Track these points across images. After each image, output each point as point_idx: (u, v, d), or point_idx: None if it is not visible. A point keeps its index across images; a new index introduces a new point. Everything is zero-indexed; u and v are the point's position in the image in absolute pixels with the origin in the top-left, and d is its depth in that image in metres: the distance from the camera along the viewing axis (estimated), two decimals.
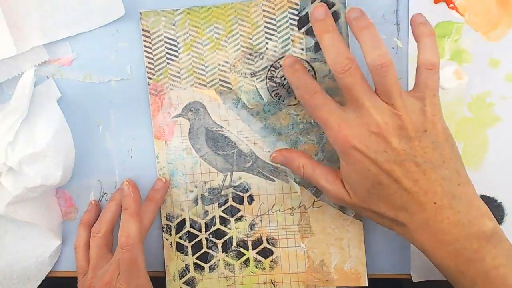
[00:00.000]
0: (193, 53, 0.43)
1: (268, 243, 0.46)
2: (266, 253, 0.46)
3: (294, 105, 0.43)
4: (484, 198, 0.44)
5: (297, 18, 0.42)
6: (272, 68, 0.43)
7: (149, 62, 0.43)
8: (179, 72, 0.43)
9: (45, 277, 0.47)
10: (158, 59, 0.43)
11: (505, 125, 0.43)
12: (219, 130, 0.44)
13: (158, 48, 0.43)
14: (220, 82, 0.43)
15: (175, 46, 0.43)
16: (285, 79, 0.43)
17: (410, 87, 0.43)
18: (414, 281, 0.45)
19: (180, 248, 0.46)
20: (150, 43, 0.43)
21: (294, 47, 0.42)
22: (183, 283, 0.46)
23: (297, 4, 0.42)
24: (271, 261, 0.46)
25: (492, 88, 0.43)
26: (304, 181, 0.44)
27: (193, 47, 0.43)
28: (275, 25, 0.42)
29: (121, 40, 0.44)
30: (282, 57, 0.43)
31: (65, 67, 0.44)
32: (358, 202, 0.37)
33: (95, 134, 0.45)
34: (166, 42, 0.43)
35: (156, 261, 0.46)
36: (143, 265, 0.40)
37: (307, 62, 0.42)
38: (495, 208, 0.44)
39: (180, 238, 0.46)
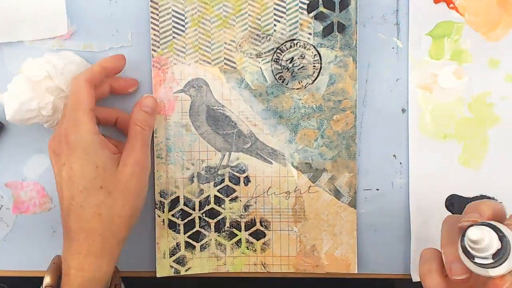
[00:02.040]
0: (200, 29, 0.42)
1: (261, 225, 0.45)
2: (258, 235, 0.45)
3: (297, 89, 0.43)
4: (484, 198, 0.44)
5: (307, 2, 0.42)
6: (278, 51, 0.42)
7: (154, 35, 0.42)
8: (184, 47, 0.43)
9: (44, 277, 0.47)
10: (164, 32, 0.42)
11: (505, 125, 0.43)
12: (220, 109, 0.44)
13: (165, 21, 0.42)
14: (225, 61, 0.43)
15: (183, 20, 0.42)
16: (290, 62, 0.43)
17: (410, 87, 0.43)
18: (414, 281, 0.45)
19: (172, 225, 0.45)
20: (157, 15, 0.42)
21: (302, 31, 0.42)
22: (173, 261, 0.45)
23: None
24: (263, 243, 0.45)
25: (492, 88, 0.43)
26: (301, 165, 0.44)
27: (200, 23, 0.42)
28: (284, 7, 0.42)
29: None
30: (289, 40, 0.42)
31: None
32: None
33: None
34: (173, 15, 0.42)
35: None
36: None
37: (313, 47, 0.42)
38: None
39: (172, 215, 0.45)
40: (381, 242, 0.46)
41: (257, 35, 0.42)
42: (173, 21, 0.42)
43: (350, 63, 0.42)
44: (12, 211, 0.46)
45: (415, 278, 0.45)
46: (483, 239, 0.28)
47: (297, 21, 0.42)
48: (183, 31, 0.42)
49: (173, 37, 0.42)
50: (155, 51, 0.43)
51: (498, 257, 0.28)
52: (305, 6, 0.42)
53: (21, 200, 0.46)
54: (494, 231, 0.28)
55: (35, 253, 0.47)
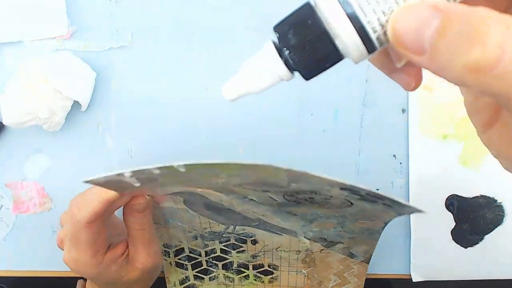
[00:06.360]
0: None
1: (269, 267, 0.44)
2: (266, 273, 0.45)
3: (316, 208, 0.36)
4: (484, 198, 0.44)
5: None
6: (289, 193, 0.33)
7: None
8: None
9: (44, 276, 0.47)
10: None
11: None
12: (219, 204, 0.37)
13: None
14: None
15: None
16: (309, 199, 0.33)
17: None
18: (414, 281, 0.45)
19: (180, 266, 0.44)
20: None
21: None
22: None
23: None
24: (271, 278, 0.45)
25: None
26: (315, 237, 0.41)
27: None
28: None
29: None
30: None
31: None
32: None
33: (95, 134, 0.45)
34: None
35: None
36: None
37: (348, 201, 0.32)
38: (495, 208, 0.44)
39: (179, 259, 0.44)
40: (381, 242, 0.46)
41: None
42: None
43: (391, 215, 0.34)
44: (12, 211, 0.46)
45: (415, 278, 0.45)
46: None
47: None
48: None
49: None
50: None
51: None
52: None
53: (21, 200, 0.46)
54: None
55: (35, 253, 0.47)
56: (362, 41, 0.17)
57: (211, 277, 0.45)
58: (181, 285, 0.46)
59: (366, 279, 0.46)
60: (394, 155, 0.44)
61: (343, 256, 0.43)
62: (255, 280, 0.45)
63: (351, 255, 0.43)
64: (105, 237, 0.37)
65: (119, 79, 0.44)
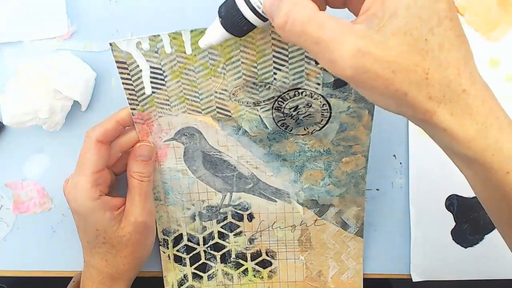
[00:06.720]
0: (183, 80, 0.36)
1: (267, 255, 0.45)
2: (265, 264, 0.45)
3: (303, 135, 0.39)
4: None
5: None
6: (279, 99, 0.37)
7: (130, 94, 0.37)
8: (168, 100, 0.38)
9: (44, 276, 0.47)
10: (141, 89, 0.37)
11: None
12: (217, 154, 0.41)
13: (139, 78, 0.36)
14: (218, 110, 0.38)
15: (161, 74, 0.36)
16: (294, 110, 0.37)
17: None
18: (414, 281, 0.45)
19: (178, 260, 0.45)
20: (129, 74, 0.36)
21: (308, 80, 0.35)
22: None
23: None
24: (270, 271, 0.45)
25: (492, 88, 0.42)
26: (307, 202, 0.43)
27: (183, 74, 0.36)
28: (286, 55, 0.34)
29: None
30: (292, 89, 0.36)
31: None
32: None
33: None
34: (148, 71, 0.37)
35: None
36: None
37: (323, 97, 0.36)
38: None
39: (177, 251, 0.45)
40: (381, 242, 0.46)
41: (254, 83, 0.36)
42: (149, 76, 0.36)
43: (365, 115, 0.37)
44: (12, 211, 0.46)
45: (415, 278, 0.45)
46: None
47: (302, 71, 0.35)
48: (163, 84, 0.37)
49: (153, 92, 0.37)
50: (134, 109, 0.38)
51: None
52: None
53: (21, 200, 0.46)
54: None
55: (35, 253, 0.47)
56: (255, 14, 0.27)
57: (209, 275, 0.45)
58: (179, 287, 0.46)
59: (366, 279, 0.46)
60: (394, 155, 0.44)
61: (337, 229, 0.44)
62: (254, 277, 0.46)
63: (344, 226, 0.44)
64: (108, 177, 0.39)
65: (119, 79, 0.43)
